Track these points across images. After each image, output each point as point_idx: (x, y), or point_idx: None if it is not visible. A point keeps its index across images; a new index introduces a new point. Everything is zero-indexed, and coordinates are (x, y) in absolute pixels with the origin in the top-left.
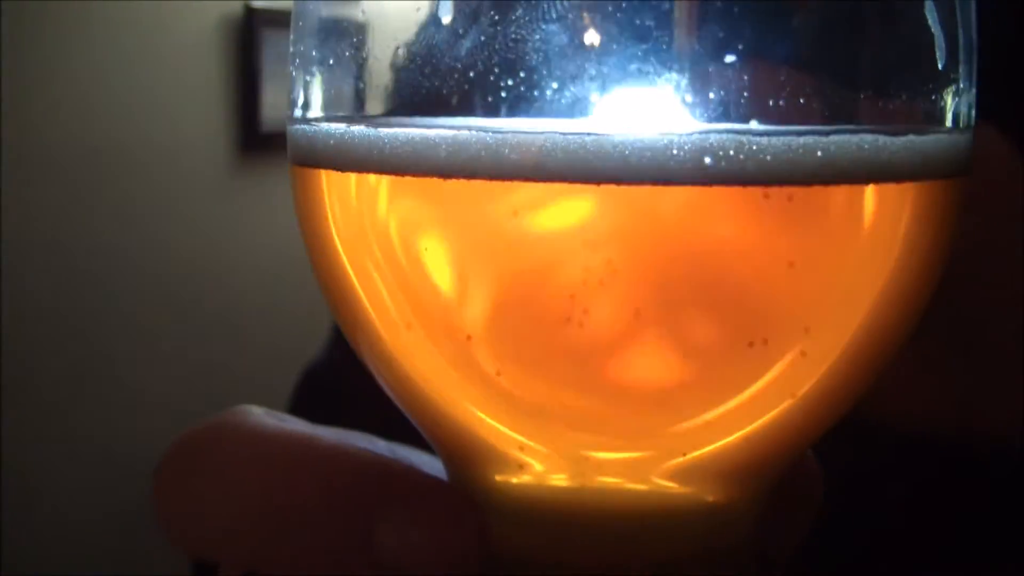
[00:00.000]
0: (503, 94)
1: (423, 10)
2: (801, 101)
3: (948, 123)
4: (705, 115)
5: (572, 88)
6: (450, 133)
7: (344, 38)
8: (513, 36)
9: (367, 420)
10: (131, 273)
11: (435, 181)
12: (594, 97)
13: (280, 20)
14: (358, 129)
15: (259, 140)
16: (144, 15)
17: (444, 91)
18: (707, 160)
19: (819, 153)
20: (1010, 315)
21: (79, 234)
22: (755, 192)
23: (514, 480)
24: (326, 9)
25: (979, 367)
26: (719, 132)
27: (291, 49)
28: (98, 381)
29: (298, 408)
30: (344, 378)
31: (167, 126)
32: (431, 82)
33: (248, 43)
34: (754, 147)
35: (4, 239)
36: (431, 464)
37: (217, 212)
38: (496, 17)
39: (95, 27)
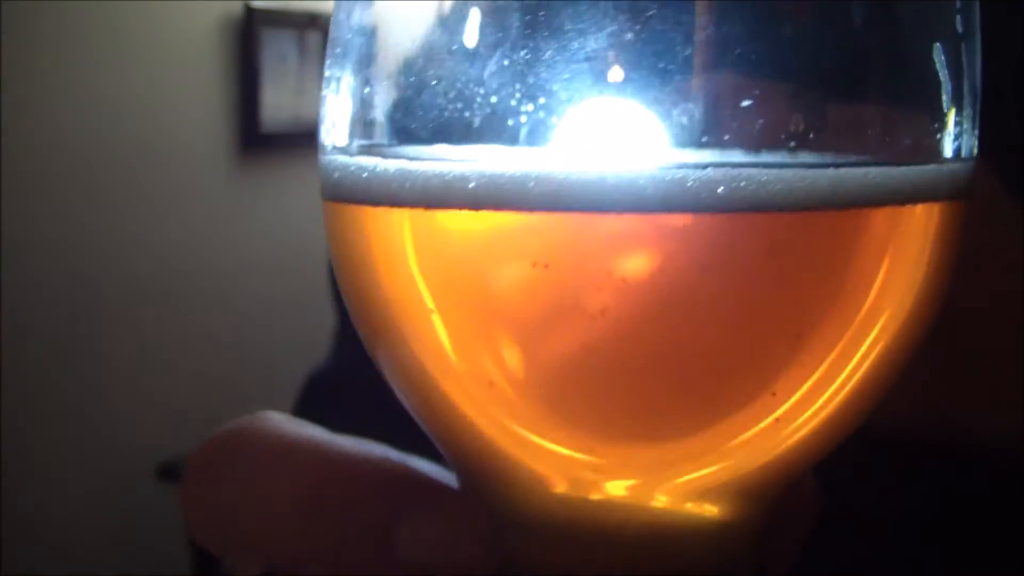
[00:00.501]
0: (523, 120)
1: (445, 38)
2: (810, 135)
3: (950, 153)
4: (717, 146)
5: (589, 116)
6: (478, 167)
7: (376, 66)
8: (532, 65)
9: (371, 426)
10: (131, 272)
11: (464, 213)
12: (608, 126)
13: (280, 20)
14: (392, 164)
15: (259, 140)
16: (144, 15)
17: (469, 117)
18: (720, 190)
19: (826, 183)
20: (996, 324)
21: (78, 233)
22: (767, 220)
23: (526, 495)
24: (360, 35)
25: (965, 374)
26: (731, 166)
27: (326, 73)
28: (97, 381)
29: (302, 414)
30: (348, 385)
31: (167, 126)
32: (455, 107)
33: (248, 43)
34: (764, 178)
35: (3, 239)
36: (442, 474)
37: (217, 212)
38: (519, 47)
39: (95, 27)
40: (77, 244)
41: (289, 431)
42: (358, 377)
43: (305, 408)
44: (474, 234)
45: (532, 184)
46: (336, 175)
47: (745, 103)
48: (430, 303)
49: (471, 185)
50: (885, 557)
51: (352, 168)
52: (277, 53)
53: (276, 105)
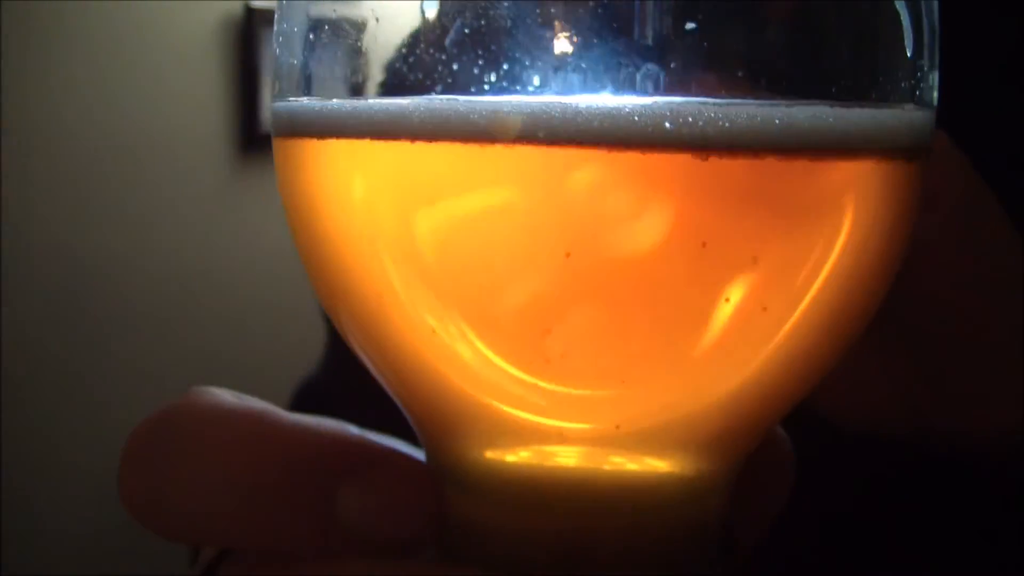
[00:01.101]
0: (477, 75)
1: (400, 5)
2: (767, 79)
3: (910, 100)
4: (671, 88)
5: (543, 69)
6: (424, 101)
7: (326, 34)
8: (481, 22)
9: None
10: (130, 273)
11: (408, 145)
12: (563, 79)
13: None
14: (336, 101)
15: (259, 140)
16: (144, 15)
17: (420, 78)
18: (667, 125)
19: (777, 121)
20: (959, 315)
21: (79, 234)
22: (713, 158)
23: (487, 454)
24: (308, 8)
25: (930, 366)
26: (679, 102)
27: (275, 28)
28: (96, 381)
29: None
30: (340, 391)
31: (167, 126)
32: (408, 69)
33: (248, 43)
34: (712, 114)
35: (3, 239)
36: (407, 451)
37: (217, 212)
38: (469, 8)
39: (95, 27)
40: (77, 243)
41: (227, 404)
42: (347, 386)
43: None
44: (417, 167)
45: (475, 116)
46: (287, 114)
47: (702, 44)
48: (376, 241)
49: (416, 118)
50: (867, 556)
51: (301, 107)
52: None
53: None
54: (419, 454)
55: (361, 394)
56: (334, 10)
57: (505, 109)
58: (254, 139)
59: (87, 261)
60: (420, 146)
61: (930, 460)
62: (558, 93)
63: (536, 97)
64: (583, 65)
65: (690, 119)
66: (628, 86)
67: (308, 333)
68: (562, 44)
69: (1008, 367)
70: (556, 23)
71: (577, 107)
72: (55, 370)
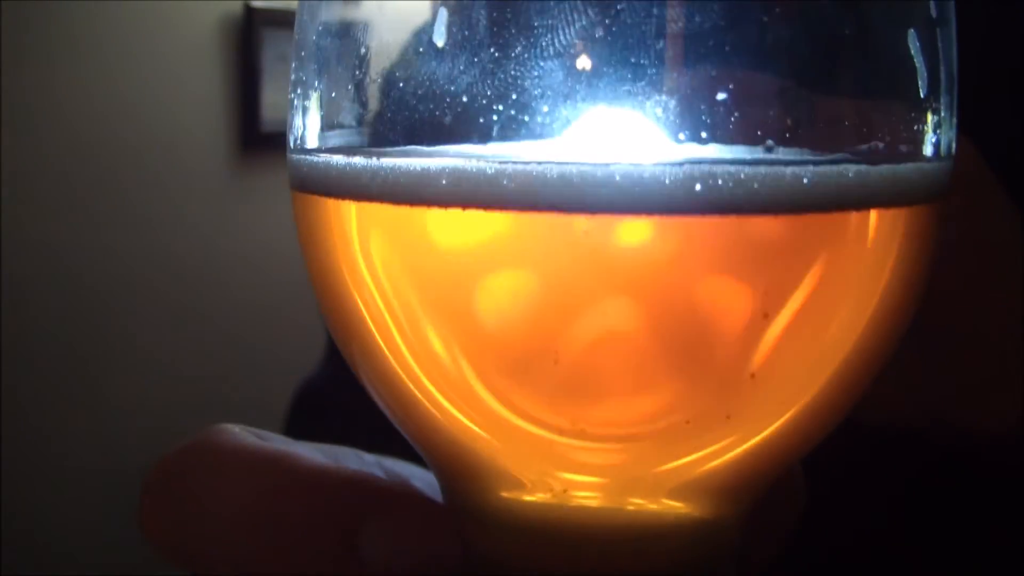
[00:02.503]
0: (495, 118)
1: (420, 37)
2: (787, 129)
3: (929, 150)
4: (692, 141)
5: (564, 114)
6: (450, 163)
7: (344, 66)
8: (506, 63)
9: (363, 435)
10: (130, 273)
11: (433, 210)
12: (584, 122)
13: (280, 20)
14: (359, 160)
15: (259, 140)
16: (144, 15)
17: (440, 116)
18: (697, 188)
19: (805, 181)
20: (968, 308)
21: (79, 234)
22: (744, 220)
23: (504, 495)
24: (326, 36)
25: (940, 360)
26: (709, 163)
27: (292, 77)
28: (97, 381)
29: (295, 422)
30: (340, 393)
31: (167, 126)
32: (427, 107)
33: (248, 43)
34: (743, 176)
35: (3, 239)
36: (421, 476)
37: (217, 212)
38: (490, 44)
39: (95, 27)
40: (77, 243)
41: (247, 443)
42: (349, 386)
43: (298, 418)
44: (443, 231)
45: (506, 182)
46: (305, 170)
47: (721, 98)
48: (398, 299)
49: (443, 182)
50: (872, 548)
51: (321, 164)
52: (277, 53)
53: (276, 105)
54: (435, 483)
55: (362, 396)
56: (350, 55)
57: (534, 174)
58: (254, 139)
59: (87, 260)
60: (446, 211)
61: (941, 455)
62: (571, 134)
63: (561, 154)
64: (597, 90)
65: (719, 182)
66: (646, 115)
67: (308, 332)
68: (581, 67)
69: (1017, 360)
70: (574, 47)
71: (608, 172)
72: (55, 369)
